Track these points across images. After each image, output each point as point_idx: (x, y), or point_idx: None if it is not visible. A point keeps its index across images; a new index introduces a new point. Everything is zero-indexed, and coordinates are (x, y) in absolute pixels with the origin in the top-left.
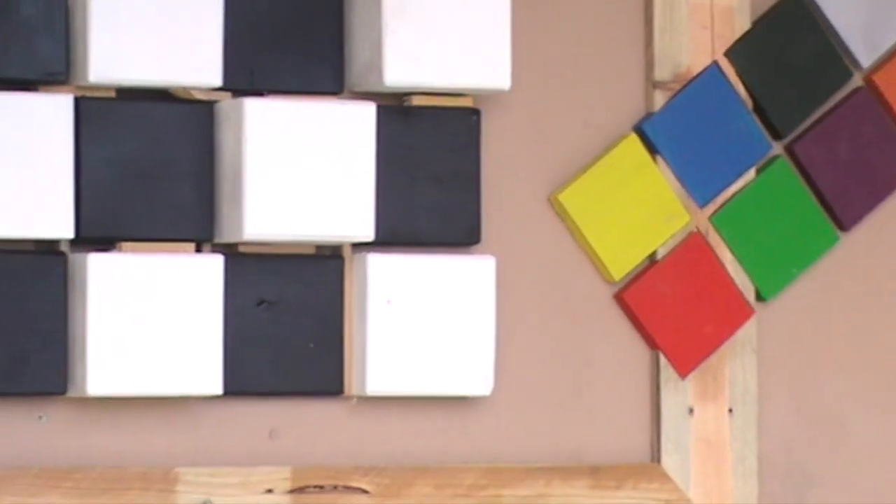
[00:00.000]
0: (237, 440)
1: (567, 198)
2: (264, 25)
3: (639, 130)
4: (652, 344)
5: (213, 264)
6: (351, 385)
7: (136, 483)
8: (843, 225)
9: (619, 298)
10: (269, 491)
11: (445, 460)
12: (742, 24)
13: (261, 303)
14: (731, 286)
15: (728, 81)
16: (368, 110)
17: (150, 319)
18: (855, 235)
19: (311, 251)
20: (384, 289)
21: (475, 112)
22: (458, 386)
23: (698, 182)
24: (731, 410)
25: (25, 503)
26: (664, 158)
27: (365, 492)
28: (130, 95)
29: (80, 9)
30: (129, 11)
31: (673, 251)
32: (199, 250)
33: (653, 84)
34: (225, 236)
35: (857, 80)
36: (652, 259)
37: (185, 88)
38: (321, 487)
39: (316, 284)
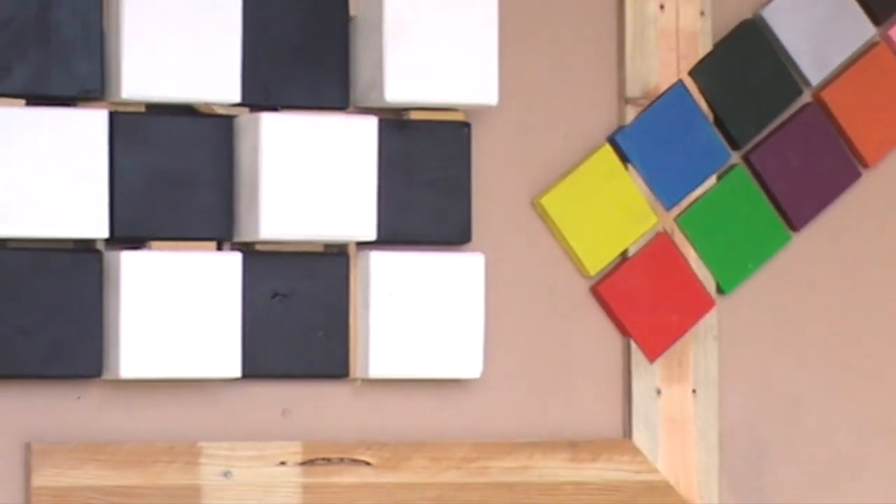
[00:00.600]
0: (253, 418)
1: (548, 201)
2: (278, 47)
3: (612, 141)
4: (624, 332)
5: (233, 261)
6: (355, 368)
7: (163, 456)
8: (795, 226)
9: (595, 291)
10: (283, 463)
11: (439, 436)
12: (704, 47)
13: (275, 295)
14: (694, 280)
15: (692, 98)
16: (371, 123)
17: (177, 310)
18: (805, 235)
19: (320, 249)
20: (385, 283)
21: (466, 125)
22: (451, 369)
23: (665, 187)
24: (694, 391)
25: (65, 474)
26: (634, 166)
27: (368, 464)
28: (158, 110)
29: (113, 33)
30: (157, 36)
31: (642, 249)
32: (219, 248)
33: (625, 100)
34: (243, 236)
35: (806, 97)
36: (624, 256)
37: (207, 104)
38: (328, 460)
39: (324, 279)
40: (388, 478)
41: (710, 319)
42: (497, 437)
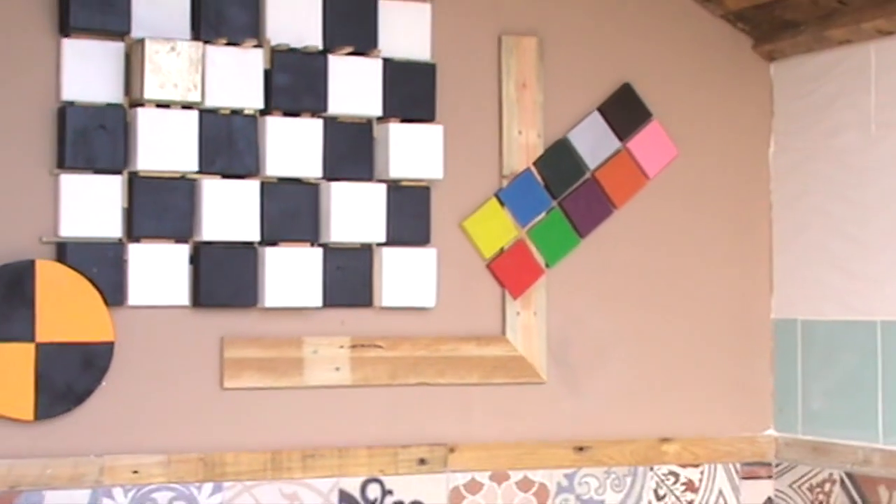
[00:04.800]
0: (327, 325)
1: (467, 224)
2: (339, 150)
3: (497, 196)
4: (501, 285)
5: (318, 252)
6: (376, 301)
7: (284, 343)
8: (582, 235)
9: (488, 267)
10: (341, 347)
11: (415, 334)
12: (540, 151)
13: (338, 268)
14: (534, 260)
15: (534, 175)
16: (382, 187)
17: (291, 274)
18: (587, 240)
19: (358, 246)
20: (389, 264)
21: (427, 188)
22: (420, 301)
23: (521, 216)
24: (535, 313)
25: (239, 351)
26: (508, 207)
27: (381, 347)
28: (284, 181)
29: (262, 143)
30: (283, 144)
31: (510, 246)
32: (311, 245)
33: (502, 176)
34: (323, 239)
35: (588, 175)
36: (501, 250)
37: (306, 178)
38: (363, 345)
39: (360, 260)
40: (391, 353)
41: (542, 279)
42: (442, 335)
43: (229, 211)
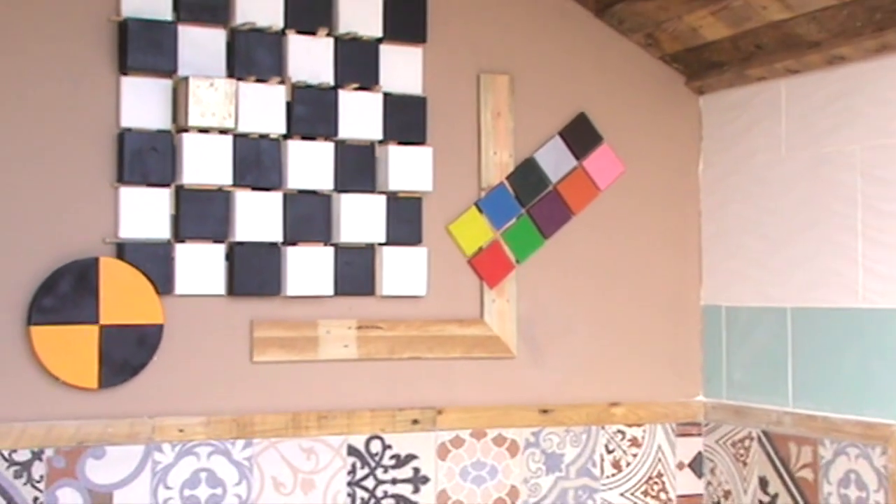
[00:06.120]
0: (338, 310)
1: (453, 227)
2: (349, 170)
3: (476, 205)
4: (480, 277)
5: (329, 250)
6: (377, 290)
7: (302, 325)
8: (545, 236)
9: (470, 263)
10: (349, 328)
11: (408, 317)
12: (510, 168)
13: (346, 263)
14: (506, 256)
15: (507, 188)
16: (383, 198)
17: (307, 269)
18: (551, 240)
19: (363, 246)
20: (388, 260)
21: (419, 198)
22: (414, 290)
23: (496, 220)
24: (508, 300)
25: (266, 331)
26: (485, 214)
27: (381, 328)
28: (302, 193)
29: (284, 161)
30: (303, 158)
31: (488, 246)
32: (325, 245)
33: (481, 189)
34: (334, 240)
35: (550, 187)
36: (480, 248)
37: (321, 191)
38: (367, 326)
39: (365, 257)
40: (389, 333)
41: (513, 273)
42: (431, 318)
43: (258, 217)
